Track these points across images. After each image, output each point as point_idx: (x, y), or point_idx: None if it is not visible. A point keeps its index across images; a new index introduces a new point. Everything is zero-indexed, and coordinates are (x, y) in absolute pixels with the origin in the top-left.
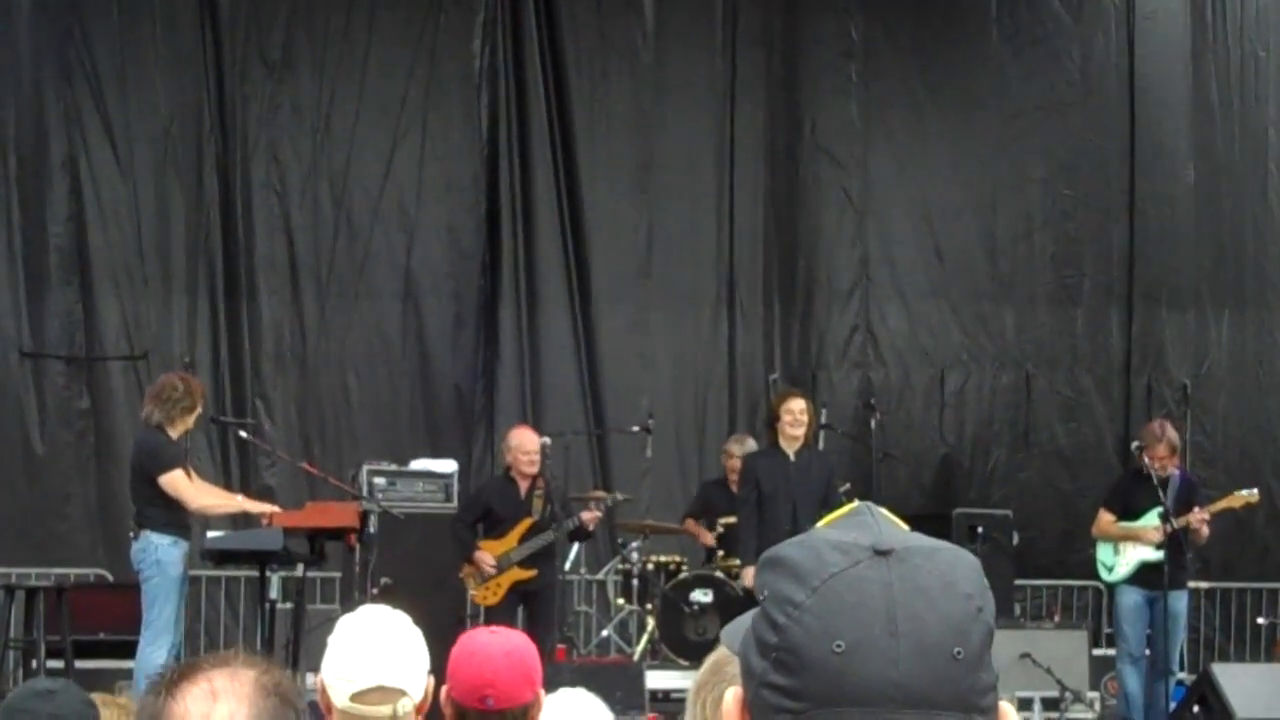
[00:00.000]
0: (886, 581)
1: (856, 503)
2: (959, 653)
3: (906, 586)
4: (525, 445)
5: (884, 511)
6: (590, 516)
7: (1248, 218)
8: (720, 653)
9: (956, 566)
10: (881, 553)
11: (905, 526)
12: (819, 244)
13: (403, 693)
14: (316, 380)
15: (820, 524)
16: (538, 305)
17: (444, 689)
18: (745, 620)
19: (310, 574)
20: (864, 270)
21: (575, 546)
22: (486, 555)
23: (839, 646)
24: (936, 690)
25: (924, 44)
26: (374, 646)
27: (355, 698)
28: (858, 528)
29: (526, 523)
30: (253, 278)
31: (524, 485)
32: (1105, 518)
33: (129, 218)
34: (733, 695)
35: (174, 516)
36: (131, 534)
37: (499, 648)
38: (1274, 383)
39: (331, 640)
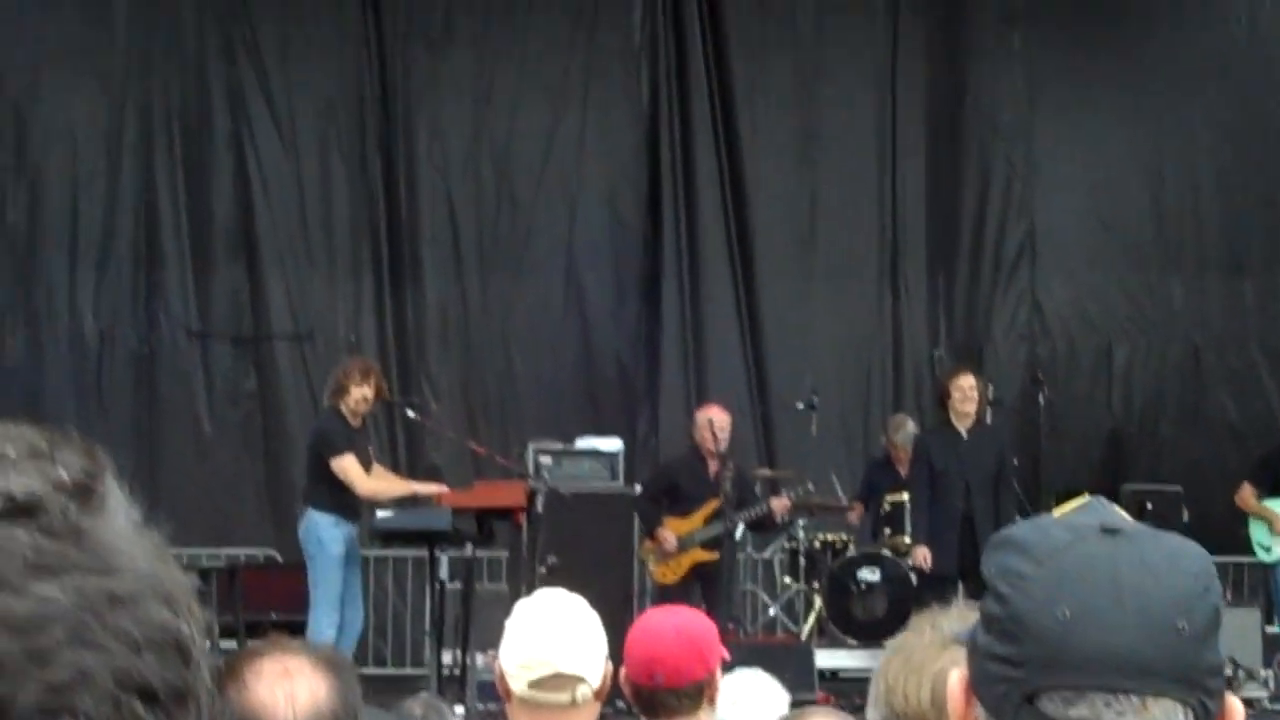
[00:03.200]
0: (1112, 555)
1: (1088, 497)
2: (1184, 627)
3: (1132, 560)
4: (710, 417)
5: (1115, 506)
6: (780, 505)
7: None
8: (905, 636)
9: (1183, 549)
10: (1109, 530)
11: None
12: (984, 215)
13: (581, 679)
14: (481, 357)
15: (1054, 513)
16: (700, 278)
17: (622, 669)
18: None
19: (478, 553)
20: (1029, 241)
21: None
22: (669, 533)
23: (1064, 614)
24: (1160, 662)
25: (1087, 9)
26: (551, 633)
27: (534, 685)
28: (1087, 513)
29: (713, 504)
30: (416, 254)
31: (713, 465)
32: (1246, 490)
33: (293, 196)
34: (957, 677)
35: (340, 497)
36: (299, 511)
37: (670, 624)
38: None
39: (508, 625)
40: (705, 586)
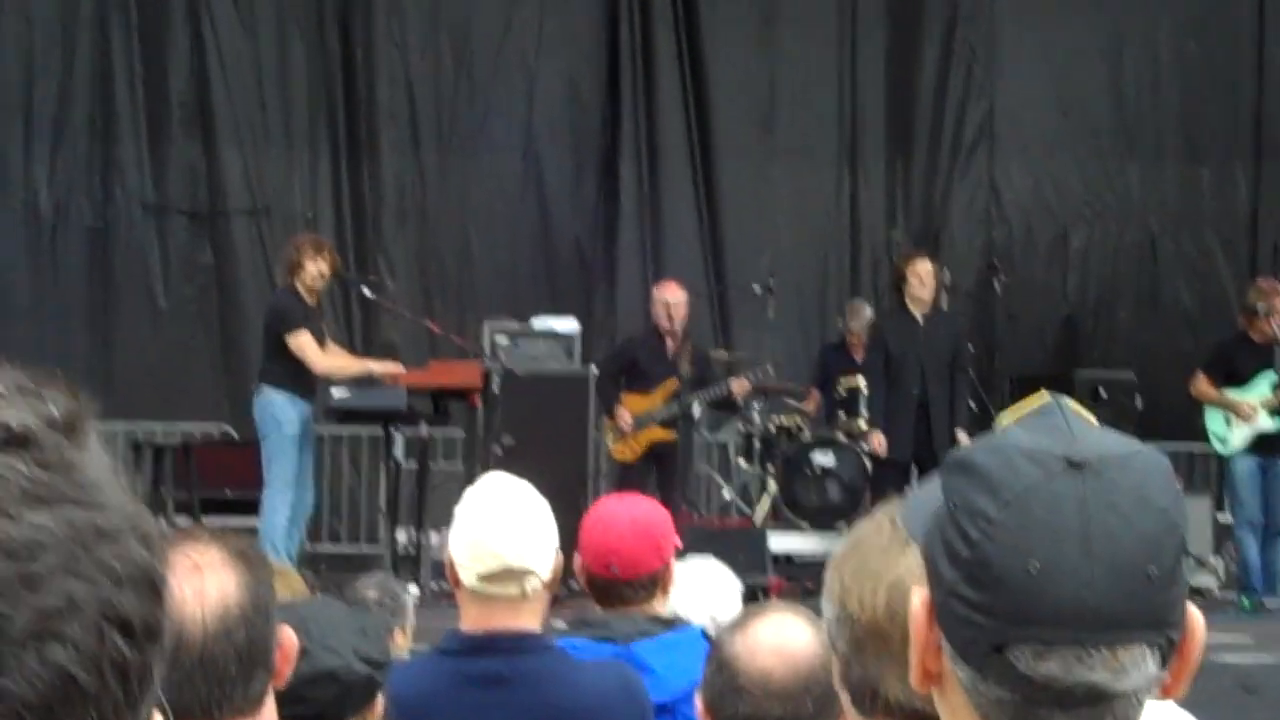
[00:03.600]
0: (1081, 497)
1: (1045, 395)
2: (1153, 572)
3: (1101, 503)
4: (664, 296)
5: (1072, 405)
6: (740, 386)
7: None
8: (863, 528)
9: (1150, 477)
10: (1075, 465)
11: (1093, 419)
12: (943, 99)
13: (531, 572)
14: (438, 235)
15: (1006, 417)
16: (658, 160)
17: (577, 557)
18: (924, 504)
19: (433, 433)
20: (988, 125)
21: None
22: (626, 411)
23: (1033, 566)
24: (1130, 612)
25: None
26: (500, 525)
27: (483, 578)
28: (1049, 431)
29: (672, 383)
30: (374, 132)
31: (672, 343)
32: (1202, 379)
33: (251, 71)
34: (920, 599)
35: (296, 375)
36: (254, 389)
37: (625, 515)
38: None
39: (457, 515)
40: (661, 466)
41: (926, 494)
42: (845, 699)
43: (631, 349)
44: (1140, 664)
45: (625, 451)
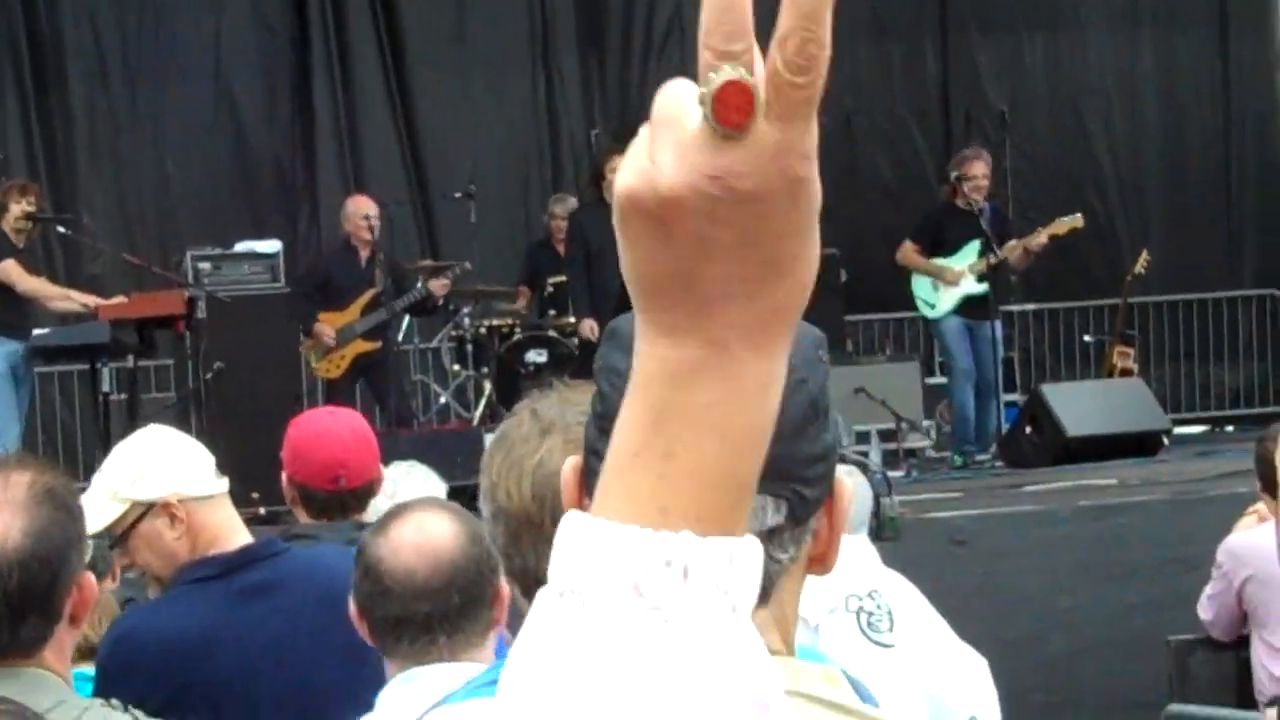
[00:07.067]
0: None
1: None
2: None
3: None
4: (362, 209)
5: None
6: (439, 285)
7: None
8: (507, 424)
9: (799, 342)
10: None
11: None
12: None
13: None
14: (134, 168)
15: None
16: (351, 75)
17: (285, 474)
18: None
19: (141, 363)
20: (678, 18)
21: (406, 317)
22: (326, 327)
23: None
24: None
25: None
26: (194, 446)
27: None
28: None
29: (369, 294)
30: (61, 69)
31: (364, 254)
32: (909, 247)
33: None
34: (570, 465)
35: (6, 317)
36: None
37: (346, 428)
38: (1090, 102)
39: (149, 460)
40: (372, 378)
41: None
42: (515, 590)
43: (324, 265)
44: (758, 513)
45: (330, 369)
